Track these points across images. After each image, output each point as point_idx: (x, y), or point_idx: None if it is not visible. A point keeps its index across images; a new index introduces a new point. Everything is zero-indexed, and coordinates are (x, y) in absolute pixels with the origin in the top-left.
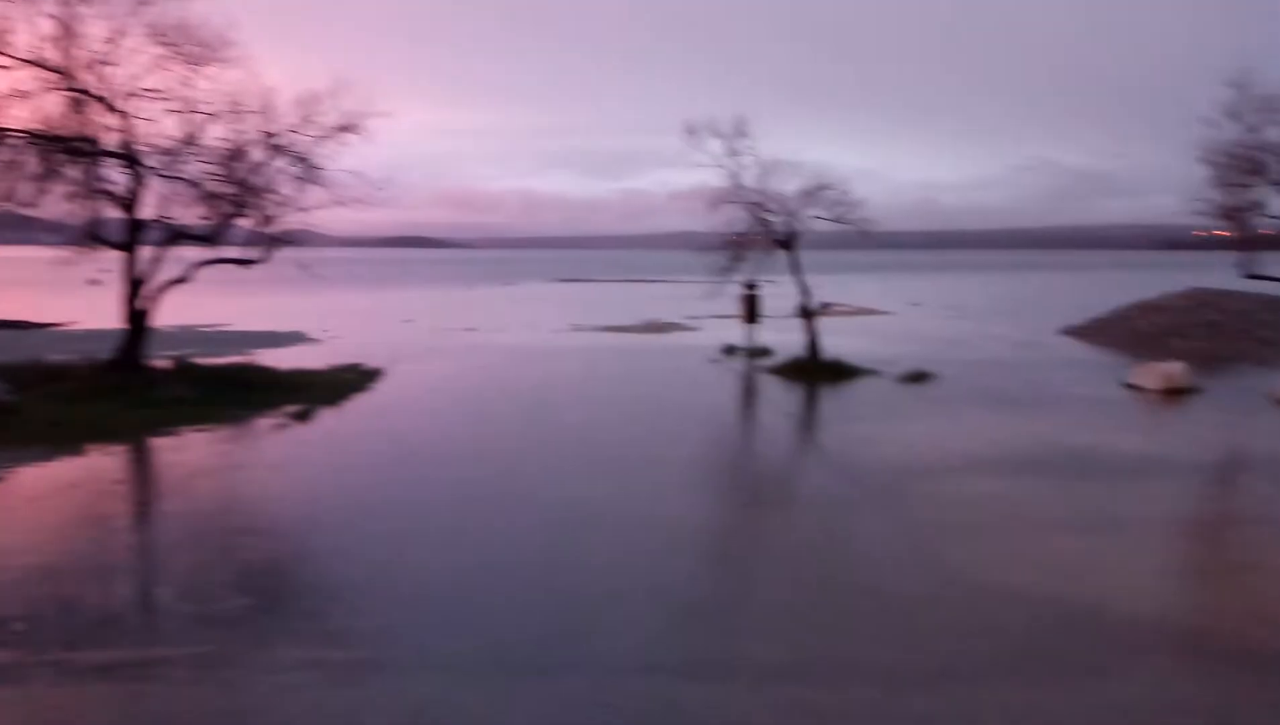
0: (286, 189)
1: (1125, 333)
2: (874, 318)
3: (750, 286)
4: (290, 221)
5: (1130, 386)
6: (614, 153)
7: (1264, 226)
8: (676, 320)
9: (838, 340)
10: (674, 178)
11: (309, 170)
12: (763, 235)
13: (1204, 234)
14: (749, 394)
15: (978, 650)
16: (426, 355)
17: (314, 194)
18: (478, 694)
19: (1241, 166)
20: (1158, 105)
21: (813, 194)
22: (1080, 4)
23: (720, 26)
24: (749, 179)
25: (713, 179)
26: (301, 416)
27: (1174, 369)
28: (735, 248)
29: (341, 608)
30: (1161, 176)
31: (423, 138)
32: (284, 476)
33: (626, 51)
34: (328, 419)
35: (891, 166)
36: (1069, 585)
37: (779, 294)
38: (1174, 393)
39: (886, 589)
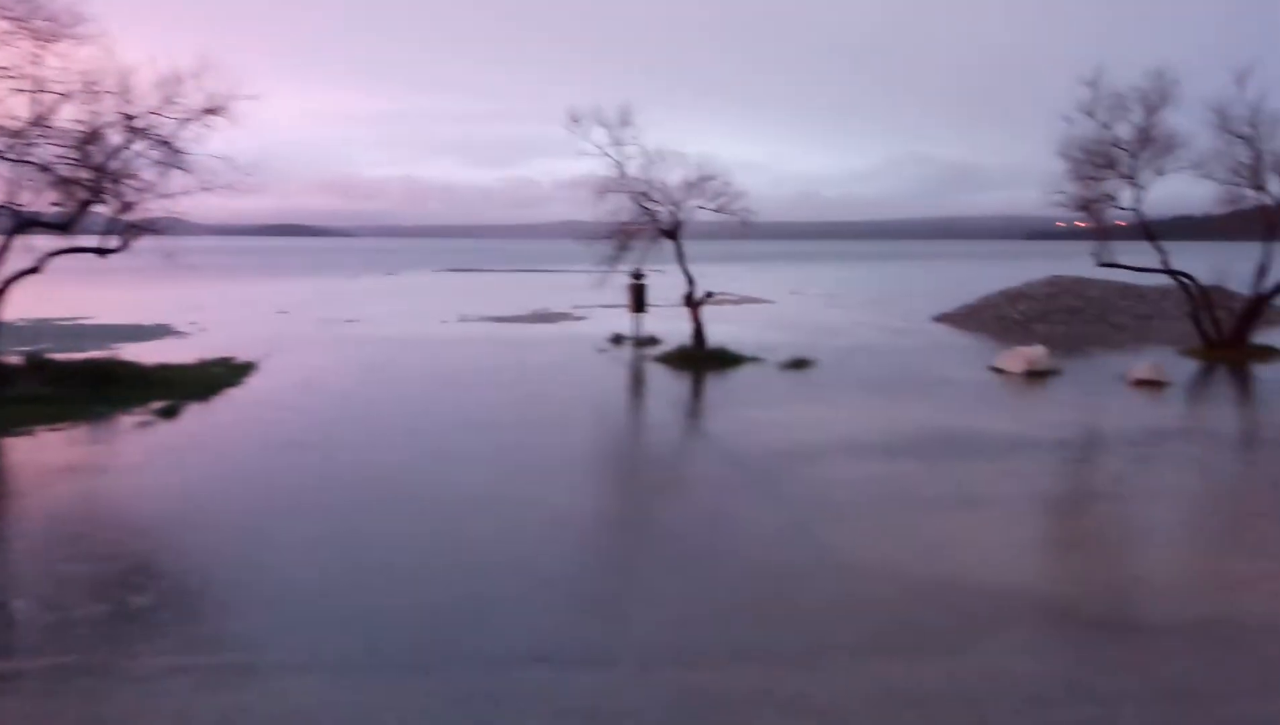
0: (148, 174)
1: (992, 319)
2: (758, 307)
3: (637, 276)
4: (153, 209)
5: (996, 370)
6: (501, 140)
7: (1116, 217)
8: (565, 310)
9: (723, 328)
10: (561, 167)
11: (172, 155)
12: (648, 225)
13: (1064, 225)
14: (637, 382)
15: (854, 627)
16: (303, 348)
17: (178, 180)
18: (353, 694)
19: (1095, 161)
20: (1023, 100)
21: (696, 185)
22: (951, 3)
23: (610, 17)
24: (634, 169)
25: (598, 168)
26: (168, 413)
27: (1036, 353)
28: (621, 237)
29: (208, 611)
30: (1027, 170)
31: (301, 122)
32: (147, 477)
33: (516, 37)
34: (196, 415)
35: (775, 159)
36: (940, 561)
37: (665, 283)
38: (1036, 375)
39: (766, 568)
